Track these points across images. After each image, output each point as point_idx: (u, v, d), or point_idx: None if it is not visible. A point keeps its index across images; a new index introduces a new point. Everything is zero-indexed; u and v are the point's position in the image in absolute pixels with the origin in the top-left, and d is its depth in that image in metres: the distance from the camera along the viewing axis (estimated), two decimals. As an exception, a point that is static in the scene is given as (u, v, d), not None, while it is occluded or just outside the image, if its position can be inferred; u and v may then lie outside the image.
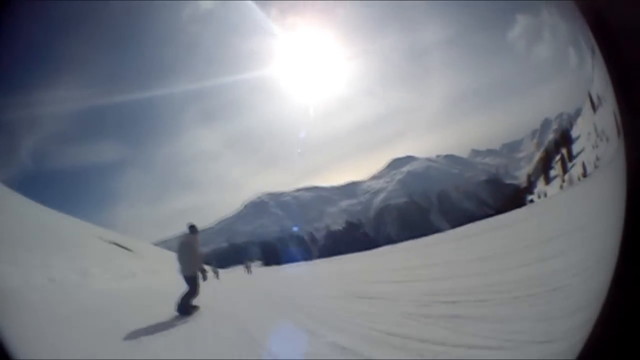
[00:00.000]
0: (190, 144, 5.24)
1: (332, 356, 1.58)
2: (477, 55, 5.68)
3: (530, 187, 5.29)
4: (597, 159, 3.20)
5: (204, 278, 3.59)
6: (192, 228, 3.57)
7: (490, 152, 5.35)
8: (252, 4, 3.78)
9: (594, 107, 4.14)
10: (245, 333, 2.60)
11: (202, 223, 5.56)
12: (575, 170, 4.18)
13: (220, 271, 4.64)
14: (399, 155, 4.83)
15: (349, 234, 4.72)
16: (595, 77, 4.13)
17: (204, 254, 4.21)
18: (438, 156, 4.79)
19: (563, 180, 4.61)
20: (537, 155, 6.38)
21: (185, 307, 3.32)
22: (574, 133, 4.79)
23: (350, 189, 5.10)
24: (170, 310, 3.44)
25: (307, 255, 4.63)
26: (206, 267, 5.70)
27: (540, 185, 5.25)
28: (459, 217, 4.07)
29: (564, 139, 5.35)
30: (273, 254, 4.98)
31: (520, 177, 5.90)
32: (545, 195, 5.37)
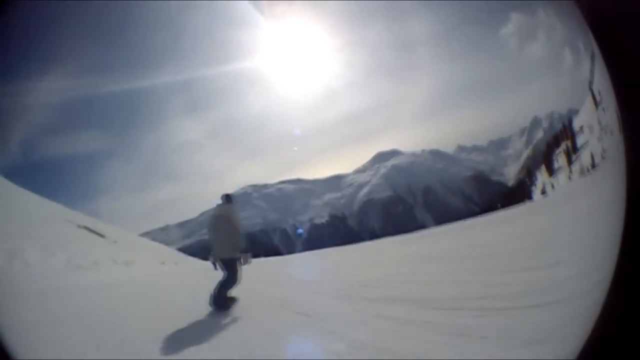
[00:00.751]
0: (174, 134, 5.19)
1: (310, 350, 1.56)
2: (467, 51, 5.60)
3: (529, 183, 5.28)
4: (604, 150, 3.15)
5: (245, 261, 2.75)
6: (228, 197, 2.86)
7: (476, 149, 5.34)
8: None
9: (596, 103, 4.12)
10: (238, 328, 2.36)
11: (185, 215, 5.53)
12: (583, 161, 4.10)
13: (202, 263, 4.61)
14: (384, 148, 4.82)
15: (333, 227, 4.69)
16: (595, 75, 4.09)
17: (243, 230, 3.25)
18: (423, 151, 4.75)
19: (570, 171, 4.57)
20: (526, 153, 6.37)
21: (223, 299, 2.68)
22: (576, 126, 4.76)
23: (334, 182, 5.08)
24: (137, 301, 3.00)
25: (290, 248, 4.62)
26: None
27: (544, 177, 5.23)
28: (444, 212, 4.04)
29: (566, 133, 5.33)
30: (257, 246, 4.96)
31: (508, 174, 5.89)
32: (553, 187, 5.31)
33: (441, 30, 4.83)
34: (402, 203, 4.18)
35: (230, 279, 2.67)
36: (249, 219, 5.11)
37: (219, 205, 2.78)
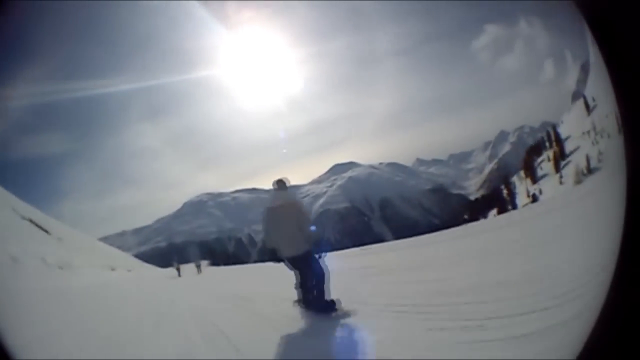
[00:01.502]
0: (133, 140, 5.12)
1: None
2: (434, 65, 5.56)
3: (507, 193, 5.28)
4: (600, 153, 3.08)
5: (321, 252, 2.16)
6: (282, 183, 2.25)
7: (436, 162, 5.36)
8: (200, 4, 3.72)
9: (588, 109, 4.17)
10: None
11: (141, 221, 5.47)
12: (577, 166, 3.96)
13: (161, 271, 4.54)
14: (341, 160, 4.88)
15: None
16: (591, 80, 4.05)
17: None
18: (381, 163, 4.71)
19: (561, 176, 4.58)
20: (490, 167, 6.39)
21: (324, 301, 2.09)
22: (563, 134, 4.76)
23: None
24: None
25: (245, 258, 4.57)
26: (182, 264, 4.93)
27: (528, 185, 5.23)
28: (402, 225, 4.02)
29: (550, 141, 5.36)
30: (212, 255, 4.90)
31: (470, 187, 5.87)
32: (541, 192, 5.25)
33: (407, 45, 4.76)
34: (359, 215, 4.14)
35: (317, 277, 2.13)
36: (203, 227, 5.10)
37: (277, 194, 2.22)
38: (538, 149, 6.30)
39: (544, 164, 5.86)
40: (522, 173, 6.16)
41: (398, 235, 4.53)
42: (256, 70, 5.04)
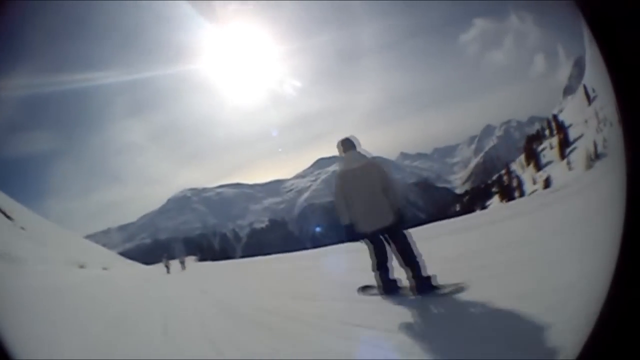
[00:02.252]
0: (119, 136, 5.11)
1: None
2: (419, 60, 5.61)
3: (512, 181, 5.25)
4: (605, 140, 3.02)
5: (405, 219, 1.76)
6: (350, 142, 1.86)
7: (420, 156, 5.39)
8: (186, 2, 3.68)
9: (589, 99, 4.16)
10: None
11: (126, 218, 5.39)
12: (587, 150, 3.82)
13: (147, 268, 4.50)
14: (325, 154, 4.88)
15: (273, 232, 4.64)
16: (590, 72, 4.01)
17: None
18: None
19: (569, 162, 4.53)
20: (475, 161, 6.43)
21: (426, 280, 1.68)
22: (566, 122, 4.70)
23: (274, 187, 5.04)
24: None
25: (231, 254, 4.57)
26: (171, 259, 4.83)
27: (532, 171, 5.17)
28: None
29: (550, 129, 5.33)
30: (197, 251, 4.88)
31: (455, 181, 5.92)
32: (549, 179, 4.91)
33: (392, 40, 4.83)
34: None
35: (409, 247, 1.71)
36: (188, 223, 5.09)
37: (349, 156, 1.79)
38: (538, 137, 6.36)
39: (547, 151, 5.92)
40: (523, 161, 6.17)
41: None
42: (240, 65, 4.97)
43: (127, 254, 5.04)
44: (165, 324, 2.20)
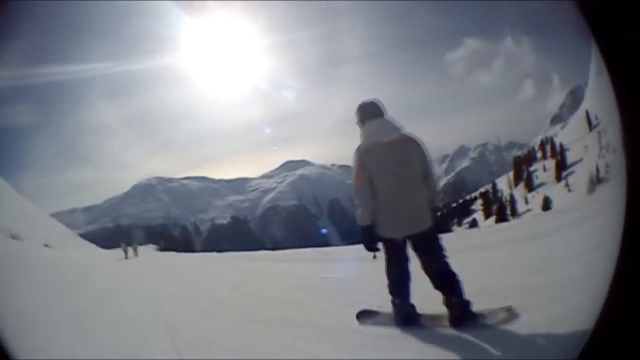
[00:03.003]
0: (93, 118, 5.15)
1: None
2: (400, 72, 5.81)
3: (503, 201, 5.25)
4: (607, 165, 3.05)
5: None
6: (376, 107, 1.43)
7: None
8: None
9: (590, 126, 4.22)
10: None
11: (92, 200, 5.37)
12: (585, 175, 3.90)
13: (106, 252, 4.49)
14: (294, 157, 4.91)
15: (234, 229, 4.67)
16: (592, 97, 4.07)
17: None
18: (333, 165, 4.78)
19: (567, 184, 4.58)
20: (445, 180, 6.54)
21: (467, 305, 1.30)
22: (565, 145, 4.78)
23: (239, 184, 5.08)
24: None
25: (191, 246, 4.57)
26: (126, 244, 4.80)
27: (524, 191, 5.22)
28: (350, 228, 4.11)
29: (543, 152, 5.42)
30: (158, 240, 4.87)
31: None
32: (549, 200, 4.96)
33: (376, 49, 4.97)
34: (306, 213, 4.20)
35: (444, 262, 1.33)
36: (150, 212, 5.07)
37: (378, 125, 1.37)
38: (528, 159, 6.45)
39: (539, 173, 5.97)
40: (511, 180, 6.21)
41: (346, 239, 4.53)
42: (217, 58, 5.04)
43: (89, 236, 5.00)
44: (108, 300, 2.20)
